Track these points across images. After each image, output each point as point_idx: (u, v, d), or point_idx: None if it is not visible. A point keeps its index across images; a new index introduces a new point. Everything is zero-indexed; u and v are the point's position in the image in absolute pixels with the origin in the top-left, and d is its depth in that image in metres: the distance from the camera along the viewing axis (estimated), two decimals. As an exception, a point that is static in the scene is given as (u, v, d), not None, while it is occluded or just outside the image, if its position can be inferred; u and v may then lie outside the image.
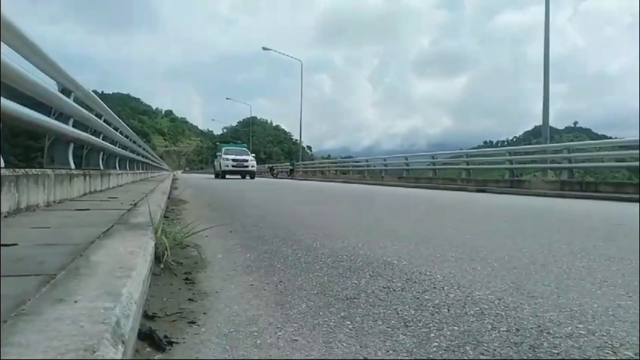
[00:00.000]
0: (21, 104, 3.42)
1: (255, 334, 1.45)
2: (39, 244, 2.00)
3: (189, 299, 1.82)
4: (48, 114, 4.42)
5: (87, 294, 1.22)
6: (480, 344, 1.36)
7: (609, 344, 1.36)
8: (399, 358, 1.27)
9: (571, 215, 5.93)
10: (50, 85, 4.34)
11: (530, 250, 2.87)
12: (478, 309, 1.70)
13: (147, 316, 1.55)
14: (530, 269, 2.35)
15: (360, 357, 1.27)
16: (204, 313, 1.65)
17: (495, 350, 1.32)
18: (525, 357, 1.27)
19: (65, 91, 4.92)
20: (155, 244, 2.30)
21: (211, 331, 1.46)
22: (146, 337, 1.35)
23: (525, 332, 1.46)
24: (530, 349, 1.32)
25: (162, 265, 2.25)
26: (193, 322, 1.54)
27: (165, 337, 1.37)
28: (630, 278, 2.17)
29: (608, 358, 1.26)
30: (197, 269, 2.37)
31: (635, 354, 1.29)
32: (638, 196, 8.63)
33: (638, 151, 10.28)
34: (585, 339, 1.40)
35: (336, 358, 1.27)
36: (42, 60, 4.04)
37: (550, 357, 1.26)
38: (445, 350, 1.32)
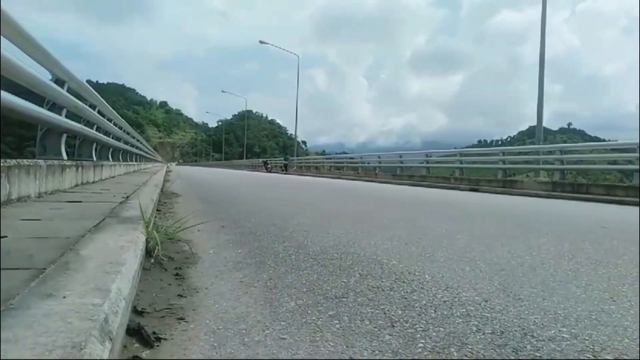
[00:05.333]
0: (13, 94, 3.39)
1: (244, 331, 1.46)
2: (29, 236, 1.99)
3: (179, 295, 1.83)
4: (41, 104, 4.38)
5: (76, 290, 1.23)
6: (465, 345, 1.39)
7: (591, 348, 1.38)
8: (384, 358, 1.29)
9: (561, 217, 5.98)
10: (43, 75, 4.30)
11: (518, 252, 2.90)
12: (464, 310, 1.72)
13: (136, 311, 1.56)
14: (518, 271, 2.38)
15: (346, 357, 1.29)
16: (193, 309, 1.66)
17: (479, 352, 1.34)
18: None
19: (59, 81, 4.88)
20: (147, 239, 2.31)
21: (199, 328, 1.48)
22: (135, 332, 1.36)
23: (509, 334, 1.48)
24: (513, 351, 1.35)
25: (152, 260, 2.25)
26: (182, 319, 1.55)
27: (154, 333, 1.38)
28: (615, 282, 2.21)
29: (588, 362, 1.29)
30: (187, 265, 2.38)
31: (615, 358, 1.32)
32: (633, 199, 8.71)
33: (633, 154, 10.36)
34: (568, 342, 1.43)
35: (323, 357, 1.29)
36: (35, 49, 4.01)
37: (532, 360, 1.29)
38: (430, 351, 1.34)
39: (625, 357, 1.33)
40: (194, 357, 1.26)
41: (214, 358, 1.26)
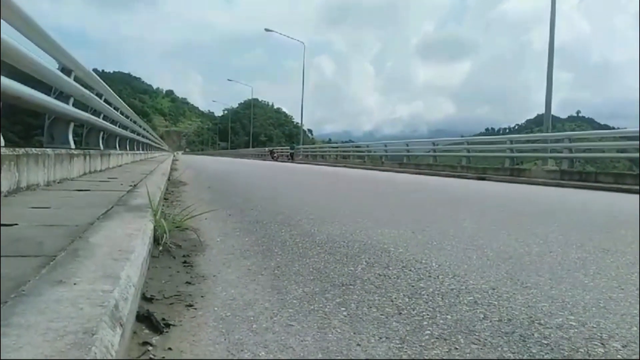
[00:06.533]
0: (21, 83, 3.40)
1: (252, 318, 1.47)
2: (38, 224, 2.01)
3: (187, 282, 1.84)
4: (48, 93, 4.40)
5: (86, 276, 1.24)
6: (472, 332, 1.39)
7: (598, 336, 1.38)
8: (391, 345, 1.30)
9: (569, 205, 5.95)
10: (50, 63, 4.31)
11: (526, 241, 2.89)
12: (472, 298, 1.72)
13: (145, 298, 1.58)
14: (525, 260, 2.38)
15: (354, 344, 1.30)
16: (202, 296, 1.68)
17: (486, 339, 1.34)
18: (515, 347, 1.29)
19: (66, 70, 4.89)
20: (155, 227, 2.32)
21: (208, 315, 1.49)
22: (144, 319, 1.37)
23: (516, 322, 1.48)
24: (520, 338, 1.35)
25: (160, 248, 2.27)
26: (190, 305, 1.57)
27: (163, 319, 1.40)
28: (623, 271, 2.20)
29: (596, 349, 1.29)
30: (195, 252, 2.39)
31: (623, 346, 1.31)
32: (638, 187, 8.64)
33: (639, 142, 10.25)
34: (575, 330, 1.42)
35: (330, 343, 1.30)
36: (42, 38, 4.01)
37: (539, 348, 1.29)
38: (437, 338, 1.34)
39: (634, 345, 1.32)
40: (203, 343, 1.27)
41: (221, 356, 1.27)
